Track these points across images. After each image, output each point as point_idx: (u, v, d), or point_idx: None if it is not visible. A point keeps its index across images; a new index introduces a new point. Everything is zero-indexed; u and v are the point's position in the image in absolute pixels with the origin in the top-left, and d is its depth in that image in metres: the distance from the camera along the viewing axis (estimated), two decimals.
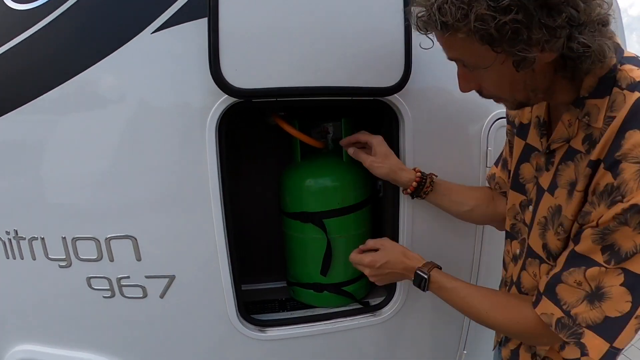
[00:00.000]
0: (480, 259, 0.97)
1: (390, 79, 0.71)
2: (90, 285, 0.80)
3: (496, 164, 0.74)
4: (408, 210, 0.84)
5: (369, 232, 0.94)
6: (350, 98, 0.73)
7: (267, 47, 0.64)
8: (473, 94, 0.94)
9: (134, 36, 0.70)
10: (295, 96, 0.69)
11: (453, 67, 0.92)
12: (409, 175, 0.74)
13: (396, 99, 0.76)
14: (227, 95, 0.67)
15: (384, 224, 0.96)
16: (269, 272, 1.09)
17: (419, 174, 0.74)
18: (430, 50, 0.83)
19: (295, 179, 0.86)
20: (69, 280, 0.79)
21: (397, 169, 0.74)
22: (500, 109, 0.90)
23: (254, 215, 1.04)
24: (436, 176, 0.75)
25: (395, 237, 0.87)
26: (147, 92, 0.72)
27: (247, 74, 0.64)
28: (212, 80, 0.64)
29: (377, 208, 0.96)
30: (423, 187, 0.74)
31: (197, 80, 0.68)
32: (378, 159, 0.74)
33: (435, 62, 0.81)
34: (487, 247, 0.95)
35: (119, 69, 0.71)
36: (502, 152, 0.72)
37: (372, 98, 0.74)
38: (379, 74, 0.70)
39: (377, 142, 0.75)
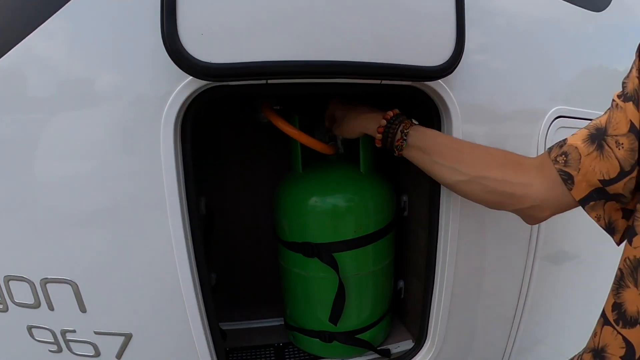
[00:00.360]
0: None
1: (436, 56, 0.49)
2: (32, 336, 0.61)
3: (578, 135, 0.46)
4: (452, 234, 0.61)
5: (391, 264, 0.72)
6: (377, 82, 0.50)
7: (252, 1, 0.41)
8: (527, 82, 0.75)
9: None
10: (295, 77, 0.46)
11: (509, 46, 0.72)
12: (373, 126, 0.55)
13: (440, 86, 0.53)
14: (191, 77, 0.44)
15: (410, 252, 0.74)
16: (263, 305, 0.88)
17: (383, 121, 0.54)
18: (480, 24, 0.63)
19: (295, 197, 0.63)
20: (8, 326, 0.61)
21: (358, 126, 0.57)
22: (560, 105, 0.71)
23: (243, 236, 0.83)
24: (415, 123, 0.54)
25: (430, 275, 0.65)
26: (79, 76, 0.49)
27: (219, 41, 0.41)
28: (167, 53, 0.41)
29: (401, 230, 0.74)
30: (392, 140, 0.53)
31: (148, 54, 0.45)
32: (336, 124, 0.61)
33: (487, 39, 0.61)
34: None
35: (48, 43, 0.49)
36: (602, 119, 0.44)
37: (408, 83, 0.52)
38: (420, 49, 0.48)
39: (333, 107, 0.62)
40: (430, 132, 0.54)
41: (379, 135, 0.53)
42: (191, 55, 0.40)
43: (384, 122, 0.53)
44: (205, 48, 0.40)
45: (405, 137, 0.52)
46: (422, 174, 0.56)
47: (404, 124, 0.52)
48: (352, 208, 0.61)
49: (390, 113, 0.53)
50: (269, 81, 0.45)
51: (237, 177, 0.82)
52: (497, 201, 0.50)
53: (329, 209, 0.61)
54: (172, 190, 0.49)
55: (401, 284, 0.81)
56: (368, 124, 0.55)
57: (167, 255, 0.52)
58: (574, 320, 0.90)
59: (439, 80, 0.52)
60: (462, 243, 0.64)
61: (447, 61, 0.49)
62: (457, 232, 0.62)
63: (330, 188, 0.62)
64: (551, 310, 0.86)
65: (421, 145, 0.52)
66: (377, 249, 0.65)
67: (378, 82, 0.49)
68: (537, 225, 0.79)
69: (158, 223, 0.51)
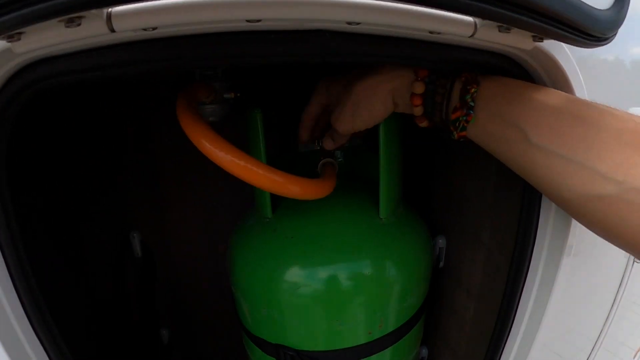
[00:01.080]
0: None
1: None
2: None
3: None
4: (546, 321, 0.35)
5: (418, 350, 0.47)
6: (465, 34, 0.19)
7: None
8: None
9: None
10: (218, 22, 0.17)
11: None
12: (404, 83, 0.29)
13: (570, 65, 0.25)
14: None
15: (442, 317, 0.49)
16: None
17: (419, 85, 0.28)
18: None
19: (259, 267, 0.34)
20: None
21: (376, 92, 0.30)
22: None
23: (200, 281, 0.60)
24: (478, 80, 0.27)
25: None
26: None
27: None
28: None
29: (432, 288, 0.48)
30: (445, 106, 0.28)
31: None
32: (336, 109, 0.33)
33: None
34: None
35: None
36: None
37: (538, 40, 0.21)
38: None
39: (326, 85, 0.34)
40: (521, 86, 0.25)
41: (417, 98, 0.28)
42: None
43: (423, 72, 0.28)
44: None
45: (471, 99, 0.25)
46: (468, 201, 0.29)
47: (464, 77, 0.26)
48: (365, 291, 0.33)
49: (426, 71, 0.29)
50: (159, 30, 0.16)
51: (186, 205, 0.55)
52: None
53: (320, 293, 0.32)
54: None
55: (424, 352, 0.57)
56: (393, 82, 0.29)
57: None
58: None
59: (570, 54, 0.24)
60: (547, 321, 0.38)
61: (613, 7, 0.20)
62: (551, 316, 0.36)
63: (323, 251, 0.33)
64: None
65: (509, 112, 0.24)
66: (402, 347, 0.39)
67: (467, 33, 0.19)
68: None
69: None
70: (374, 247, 0.34)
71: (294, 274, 0.33)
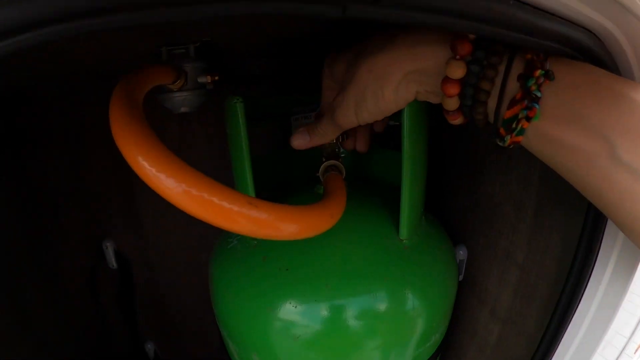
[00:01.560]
0: None
1: None
2: None
3: None
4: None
5: None
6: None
7: None
8: None
9: None
10: None
11: None
12: (435, 61, 0.20)
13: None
14: None
15: (456, 331, 0.44)
16: None
17: (459, 65, 0.19)
18: None
19: (248, 307, 0.27)
20: None
21: (396, 70, 0.21)
22: None
23: (188, 290, 0.53)
24: (547, 71, 0.18)
25: None
26: None
27: None
28: None
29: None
30: (492, 101, 0.19)
31: None
32: (340, 93, 0.24)
33: None
34: None
35: None
36: None
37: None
38: None
39: (333, 59, 0.25)
40: (608, 78, 0.17)
41: (453, 85, 0.19)
42: None
43: (466, 46, 0.19)
44: None
45: (537, 88, 0.17)
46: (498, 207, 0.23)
47: (529, 55, 0.18)
48: (380, 334, 0.26)
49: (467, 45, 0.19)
50: None
51: (165, 211, 0.48)
52: None
53: (324, 337, 0.26)
54: None
55: None
56: (415, 62, 0.20)
57: None
58: None
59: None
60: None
61: None
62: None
63: (327, 285, 0.26)
64: None
65: (593, 113, 0.17)
66: None
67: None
68: None
69: None
70: (392, 278, 0.26)
71: (290, 314, 0.26)
